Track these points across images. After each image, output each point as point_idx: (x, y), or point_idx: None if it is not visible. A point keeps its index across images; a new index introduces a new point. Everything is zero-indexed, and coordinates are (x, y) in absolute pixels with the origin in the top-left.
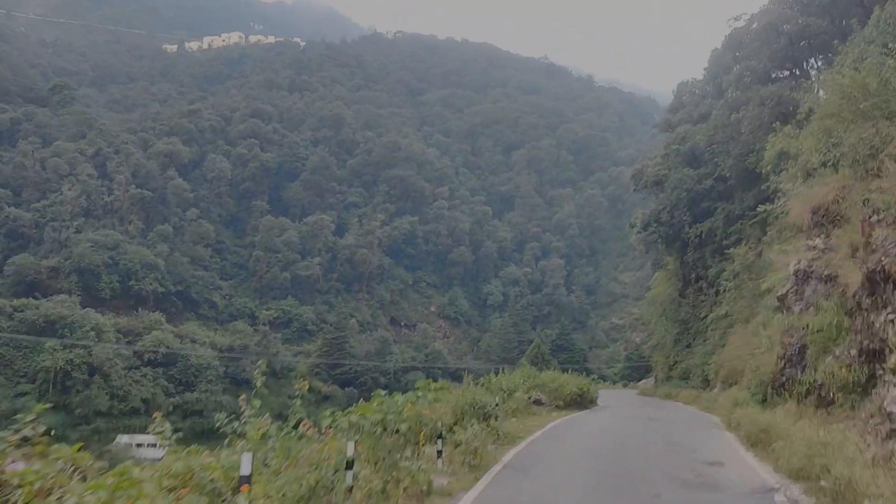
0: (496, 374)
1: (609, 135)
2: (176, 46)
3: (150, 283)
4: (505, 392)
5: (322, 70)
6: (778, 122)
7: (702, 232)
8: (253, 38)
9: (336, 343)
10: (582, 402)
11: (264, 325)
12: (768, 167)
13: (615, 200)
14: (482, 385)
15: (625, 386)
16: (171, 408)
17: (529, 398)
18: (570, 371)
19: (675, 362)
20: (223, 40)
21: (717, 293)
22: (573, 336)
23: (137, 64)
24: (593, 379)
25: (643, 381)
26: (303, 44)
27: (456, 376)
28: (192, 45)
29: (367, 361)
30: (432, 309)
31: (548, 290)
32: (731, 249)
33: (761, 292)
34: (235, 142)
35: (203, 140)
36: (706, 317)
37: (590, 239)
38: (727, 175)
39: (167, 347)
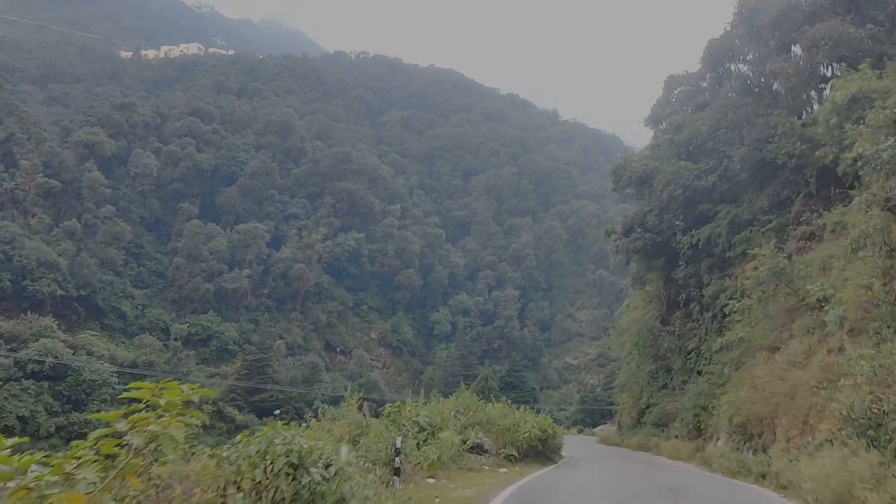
0: (421, 400)
1: (572, 168)
2: (131, 53)
3: (49, 285)
4: (424, 430)
5: (277, 80)
6: (842, 64)
7: (698, 240)
8: (213, 51)
9: (257, 366)
10: (544, 451)
11: (176, 340)
12: (831, 120)
13: (575, 234)
14: (388, 416)
15: (580, 432)
16: (53, 428)
17: (465, 442)
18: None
19: (649, 406)
20: (181, 50)
21: (715, 318)
22: (524, 373)
23: (87, 66)
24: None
25: (601, 427)
26: (261, 56)
27: None
28: (149, 53)
29: (291, 389)
30: (373, 335)
31: (500, 322)
32: (756, 249)
33: (798, 307)
34: (169, 140)
35: (133, 136)
36: (697, 349)
37: (547, 273)
38: (737, 168)
39: (55, 358)
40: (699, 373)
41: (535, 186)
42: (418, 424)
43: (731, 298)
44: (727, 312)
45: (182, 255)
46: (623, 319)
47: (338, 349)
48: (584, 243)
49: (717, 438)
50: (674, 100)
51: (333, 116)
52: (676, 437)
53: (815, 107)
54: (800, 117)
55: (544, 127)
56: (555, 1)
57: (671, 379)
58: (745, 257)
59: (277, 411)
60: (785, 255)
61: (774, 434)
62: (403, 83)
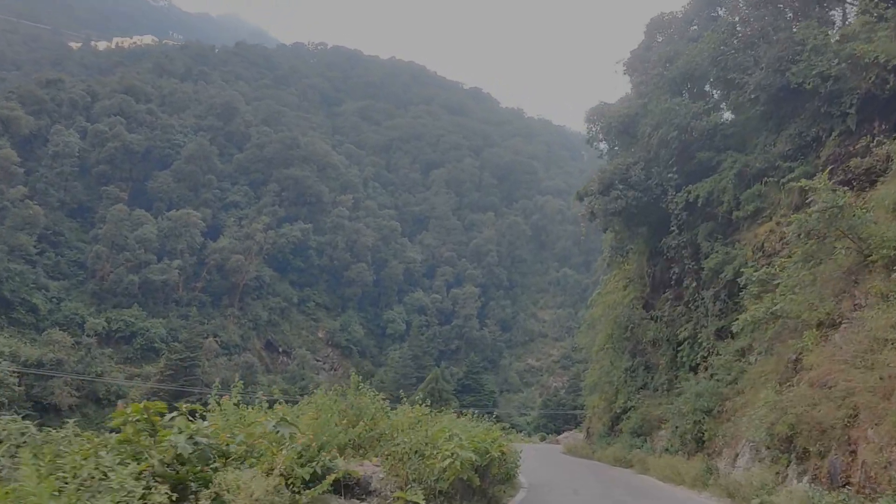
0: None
1: (536, 163)
2: (80, 44)
3: None
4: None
5: (227, 66)
6: None
7: (696, 197)
8: (167, 42)
9: (183, 366)
10: (485, 488)
11: (89, 336)
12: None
13: (539, 231)
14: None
15: (542, 439)
16: None
17: (321, 467)
18: (472, 416)
19: (626, 410)
20: (134, 41)
21: (718, 297)
22: (483, 376)
23: (30, 54)
24: (505, 429)
25: (566, 434)
26: (217, 49)
27: None
28: (99, 45)
29: (221, 393)
30: (320, 335)
31: (458, 321)
32: (802, 182)
33: (863, 265)
34: (98, 119)
35: (59, 115)
36: (693, 338)
37: (509, 270)
38: (750, 100)
39: None
40: (694, 368)
41: (498, 181)
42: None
43: (747, 266)
44: (743, 284)
45: (104, 244)
46: (594, 309)
47: (280, 349)
48: (548, 240)
49: (737, 455)
50: (660, 39)
51: (285, 104)
52: (667, 450)
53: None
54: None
55: (508, 122)
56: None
57: (654, 377)
58: (758, 217)
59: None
60: (838, 189)
61: (852, 452)
62: (362, 73)
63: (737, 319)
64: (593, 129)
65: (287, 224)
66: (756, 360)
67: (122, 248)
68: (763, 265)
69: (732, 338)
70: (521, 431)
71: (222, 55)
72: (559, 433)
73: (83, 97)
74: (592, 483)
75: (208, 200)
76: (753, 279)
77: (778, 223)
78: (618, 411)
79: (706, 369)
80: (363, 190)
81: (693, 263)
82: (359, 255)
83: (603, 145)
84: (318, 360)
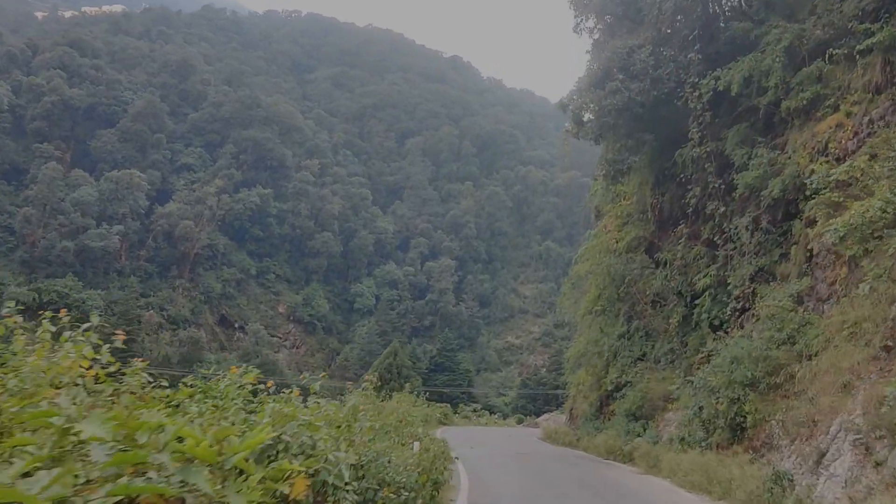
0: None
1: (518, 133)
2: (46, 13)
3: None
4: None
5: (190, 29)
6: None
7: (728, 85)
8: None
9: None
10: None
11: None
12: None
13: (520, 203)
14: None
15: (520, 422)
16: None
17: None
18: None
19: (619, 387)
20: (102, 10)
21: (758, 228)
22: (458, 354)
23: None
24: (476, 410)
25: (546, 416)
26: (181, 12)
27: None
28: (66, 14)
29: (161, 370)
30: (281, 309)
31: (433, 296)
32: None
33: None
34: (38, 73)
35: None
36: (720, 283)
37: (488, 243)
38: None
39: None
40: (718, 326)
41: (478, 150)
42: None
43: (818, 163)
44: (810, 193)
45: (35, 206)
46: (580, 265)
47: (236, 324)
48: (529, 212)
49: (823, 454)
50: None
51: (251, 68)
52: (682, 440)
53: None
54: None
55: (489, 90)
56: None
57: (656, 345)
58: (817, 107)
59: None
60: None
61: None
62: (337, 41)
63: (786, 252)
64: (583, 11)
65: (244, 189)
66: (835, 304)
67: (59, 211)
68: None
69: (781, 280)
70: (496, 414)
71: (186, 19)
72: (539, 415)
73: (23, 51)
74: (574, 491)
75: (157, 162)
76: (830, 180)
77: (849, 114)
78: (609, 388)
79: (740, 326)
80: (332, 157)
81: (719, 183)
82: (324, 224)
83: (594, 35)
84: (277, 337)
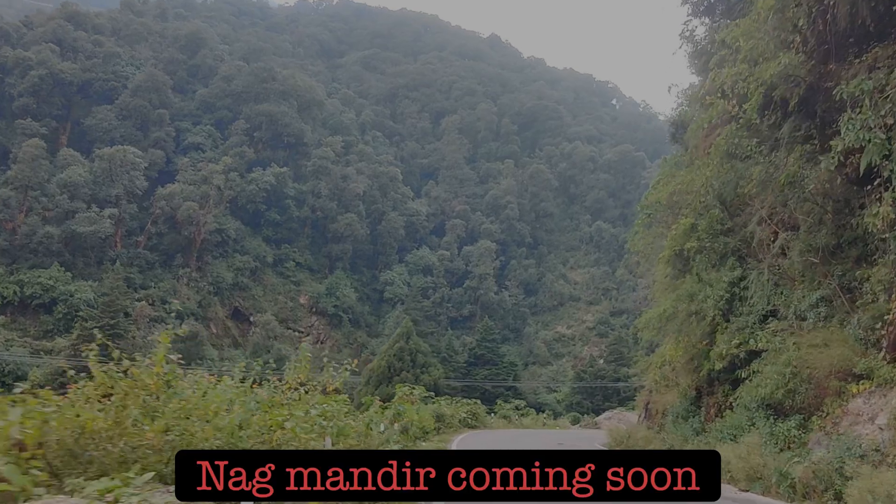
0: None
1: (563, 108)
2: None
3: None
4: None
5: (211, 11)
6: None
7: None
8: None
9: (104, 337)
10: None
11: None
12: None
13: (566, 182)
14: None
15: (576, 422)
16: None
17: None
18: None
19: (739, 362)
20: None
21: None
22: (502, 346)
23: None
24: (519, 408)
25: (608, 414)
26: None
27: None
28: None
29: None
30: (302, 300)
31: (472, 282)
32: None
33: None
34: (29, 47)
35: None
36: None
37: (532, 225)
38: None
39: None
40: None
41: (519, 128)
42: None
43: None
44: None
45: (17, 188)
46: (658, 190)
47: (251, 318)
48: (577, 192)
49: None
50: None
51: (274, 49)
52: None
53: None
54: None
55: (530, 67)
56: None
57: (794, 293)
58: None
59: None
60: None
61: None
62: (368, 24)
63: None
64: None
65: (258, 168)
66: None
67: (41, 194)
68: None
69: None
70: (544, 412)
71: (208, 4)
72: (598, 413)
73: (17, 28)
74: None
75: (160, 141)
76: None
77: None
78: (717, 367)
79: None
80: (358, 135)
81: None
82: (348, 205)
83: None
84: (298, 331)
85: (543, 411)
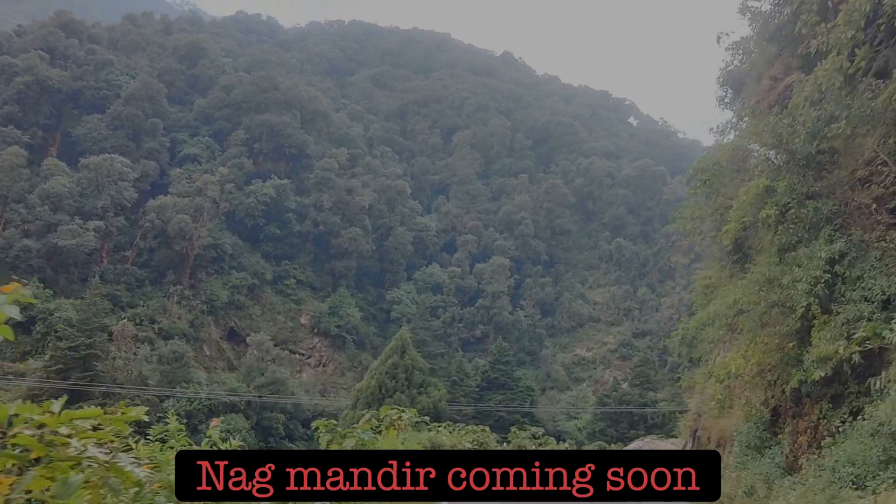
0: None
1: (578, 124)
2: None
3: None
4: None
5: (218, 27)
6: None
7: None
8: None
9: (76, 359)
10: None
11: None
12: None
13: (584, 198)
14: None
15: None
16: None
17: None
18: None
19: (851, 369)
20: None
21: None
22: (517, 370)
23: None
24: (536, 437)
25: (638, 443)
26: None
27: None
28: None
29: (127, 388)
30: (303, 320)
31: (485, 301)
32: None
33: None
34: (17, 55)
35: None
36: None
37: (548, 243)
38: None
39: None
40: None
41: (533, 144)
42: None
43: None
44: None
45: None
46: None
47: (247, 339)
48: (595, 209)
49: None
50: None
51: (282, 65)
52: None
53: None
54: None
55: (544, 83)
56: None
57: None
58: None
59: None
60: None
61: None
62: (378, 43)
63: None
64: None
65: (257, 181)
66: None
67: (21, 205)
68: None
69: None
70: (564, 440)
71: (217, 21)
72: (624, 441)
73: (9, 37)
74: None
75: (154, 152)
76: None
77: None
78: (815, 376)
79: None
80: (365, 149)
81: None
82: (352, 219)
83: None
84: (299, 353)
85: (564, 440)
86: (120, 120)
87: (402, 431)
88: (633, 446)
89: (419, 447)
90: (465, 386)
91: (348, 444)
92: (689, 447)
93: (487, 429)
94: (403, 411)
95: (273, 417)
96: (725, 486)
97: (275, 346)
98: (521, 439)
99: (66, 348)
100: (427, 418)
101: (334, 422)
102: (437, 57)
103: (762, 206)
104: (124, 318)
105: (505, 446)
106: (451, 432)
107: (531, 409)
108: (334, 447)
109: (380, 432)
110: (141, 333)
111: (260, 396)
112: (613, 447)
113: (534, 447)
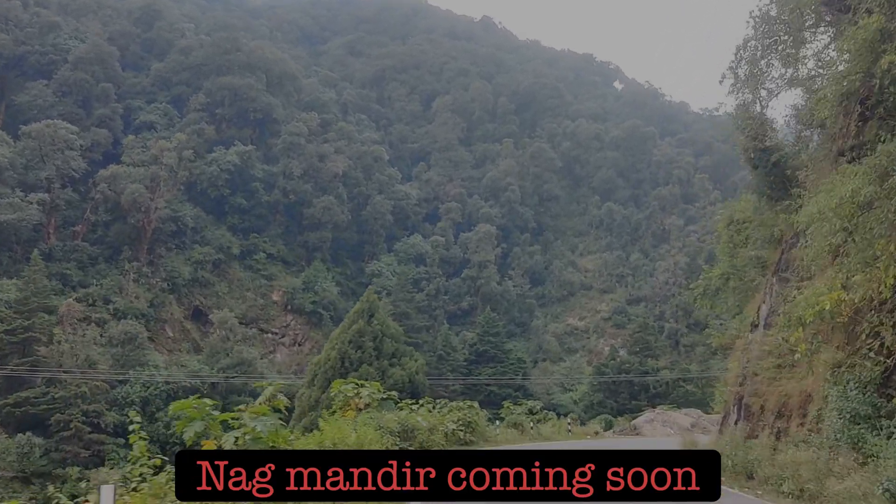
0: None
1: (563, 87)
2: None
3: None
4: None
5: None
6: None
7: None
8: None
9: (17, 342)
10: None
11: None
12: None
13: (571, 162)
14: None
15: (608, 427)
16: None
17: None
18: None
19: None
20: None
21: None
22: (507, 342)
23: None
24: (533, 412)
25: (647, 416)
26: None
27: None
28: None
29: (73, 373)
30: (275, 297)
31: (471, 271)
32: None
33: None
34: None
35: None
36: None
37: (536, 210)
38: None
39: None
40: None
41: (517, 108)
42: None
43: None
44: None
45: None
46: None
47: (209, 318)
48: (583, 173)
49: None
50: None
51: (249, 31)
52: None
53: None
54: None
55: (526, 47)
56: None
57: None
58: None
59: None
60: None
61: None
62: (352, 10)
63: None
64: None
65: (220, 148)
66: None
67: None
68: None
69: None
70: (565, 415)
71: None
72: (625, 413)
73: None
74: None
75: (105, 119)
76: None
77: None
78: None
79: None
80: (339, 114)
81: None
82: (325, 187)
83: None
84: (272, 332)
85: (565, 415)
86: (68, 86)
87: (362, 410)
88: (643, 418)
89: (380, 437)
90: (452, 360)
91: (228, 442)
92: (732, 419)
93: (476, 404)
94: (363, 385)
95: (241, 402)
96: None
97: (245, 325)
98: (517, 415)
99: (1, 332)
100: (394, 393)
101: (209, 402)
102: (415, 23)
103: (876, 57)
104: (76, 298)
105: (498, 424)
106: (431, 410)
107: (524, 381)
108: (208, 446)
109: (334, 413)
110: (94, 315)
111: (227, 378)
112: (620, 421)
113: (531, 424)
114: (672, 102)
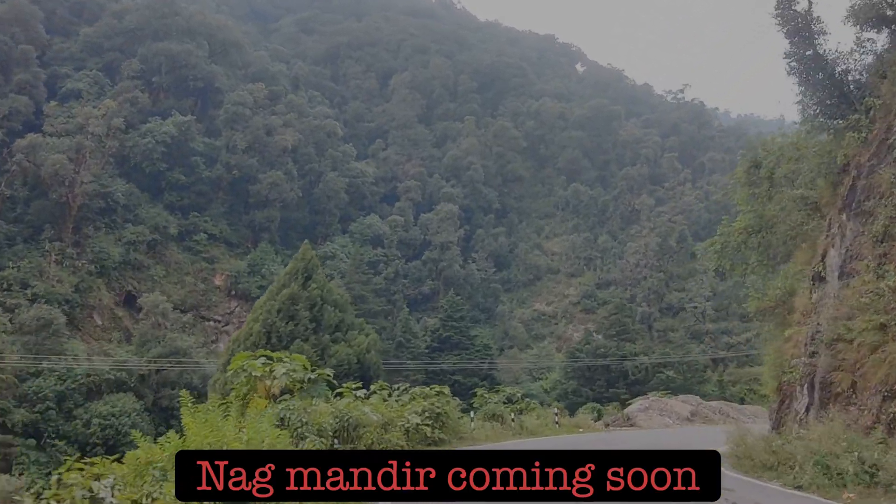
0: None
1: (527, 66)
2: None
3: None
4: None
5: None
6: None
7: None
8: None
9: None
10: None
11: None
12: None
13: (535, 142)
14: None
15: (600, 417)
16: None
17: None
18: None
19: None
20: None
21: None
22: (472, 329)
23: None
24: (513, 400)
25: (640, 404)
26: None
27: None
28: None
29: None
30: (217, 282)
31: (432, 253)
32: None
33: None
34: None
35: None
36: None
37: (500, 191)
38: None
39: None
40: None
41: (479, 87)
42: None
43: None
44: None
45: None
46: None
47: (138, 300)
48: (548, 153)
49: None
50: None
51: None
52: None
53: None
54: None
55: (487, 27)
56: None
57: None
58: None
59: None
60: None
61: None
62: None
63: None
64: None
65: (156, 118)
66: None
67: None
68: None
69: None
70: (535, 402)
71: None
72: (603, 402)
73: None
74: None
75: (26, 85)
76: None
77: None
78: None
79: None
80: (289, 87)
81: None
82: (273, 162)
83: None
84: (214, 319)
85: (549, 404)
86: None
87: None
88: (636, 407)
89: (287, 437)
90: (413, 347)
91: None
92: (800, 405)
93: (446, 389)
94: (279, 361)
95: (174, 395)
96: None
97: (183, 311)
98: (494, 404)
99: None
100: (328, 372)
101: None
102: (370, 1)
103: None
104: None
105: (472, 416)
106: (386, 398)
107: (492, 369)
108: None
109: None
110: (10, 300)
111: (158, 371)
112: (609, 409)
113: (511, 414)
114: (635, 85)
